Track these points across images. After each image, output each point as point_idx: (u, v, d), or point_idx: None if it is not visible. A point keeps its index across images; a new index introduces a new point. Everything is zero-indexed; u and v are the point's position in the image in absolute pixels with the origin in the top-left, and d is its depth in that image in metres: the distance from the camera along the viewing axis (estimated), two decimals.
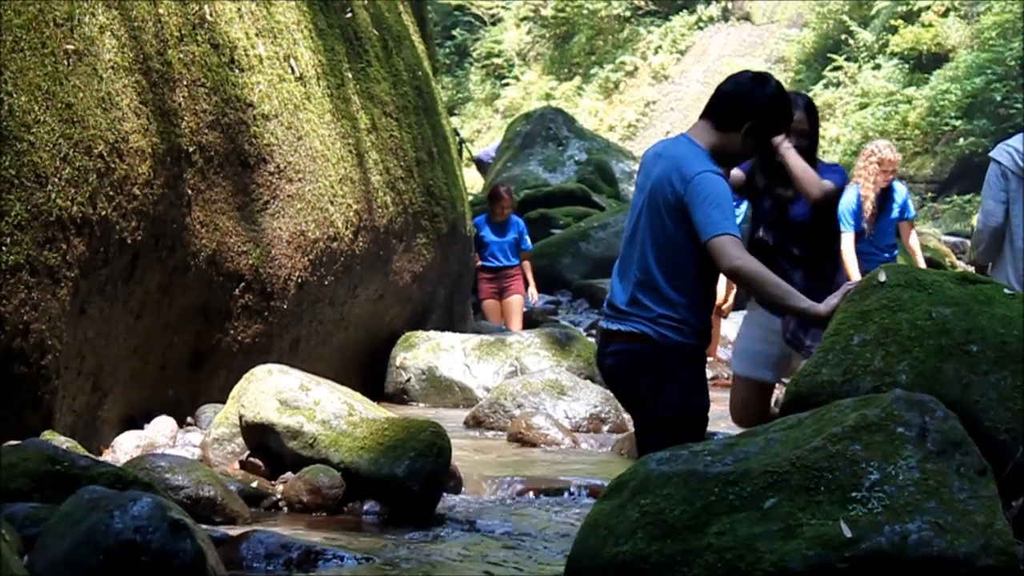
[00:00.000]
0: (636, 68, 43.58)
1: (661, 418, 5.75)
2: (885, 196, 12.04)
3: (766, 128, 5.84)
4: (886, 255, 11.95)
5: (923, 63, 34.44)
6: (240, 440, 8.01)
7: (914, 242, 12.56)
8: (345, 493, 7.53)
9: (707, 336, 5.81)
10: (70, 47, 7.35)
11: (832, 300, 5.50)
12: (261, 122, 9.42)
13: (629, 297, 5.76)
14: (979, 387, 4.90)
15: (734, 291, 14.23)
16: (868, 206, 11.86)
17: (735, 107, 5.78)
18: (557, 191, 24.84)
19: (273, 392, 7.84)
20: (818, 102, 35.47)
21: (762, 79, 5.90)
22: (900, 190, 12.28)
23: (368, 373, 11.64)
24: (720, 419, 10.67)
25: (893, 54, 35.34)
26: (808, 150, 7.32)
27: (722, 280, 13.85)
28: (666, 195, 5.68)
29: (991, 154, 8.60)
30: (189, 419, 8.94)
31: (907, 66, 34.84)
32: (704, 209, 5.58)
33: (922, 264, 12.24)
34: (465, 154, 31.94)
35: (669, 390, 5.72)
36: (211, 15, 9.04)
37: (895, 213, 12.19)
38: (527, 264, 16.11)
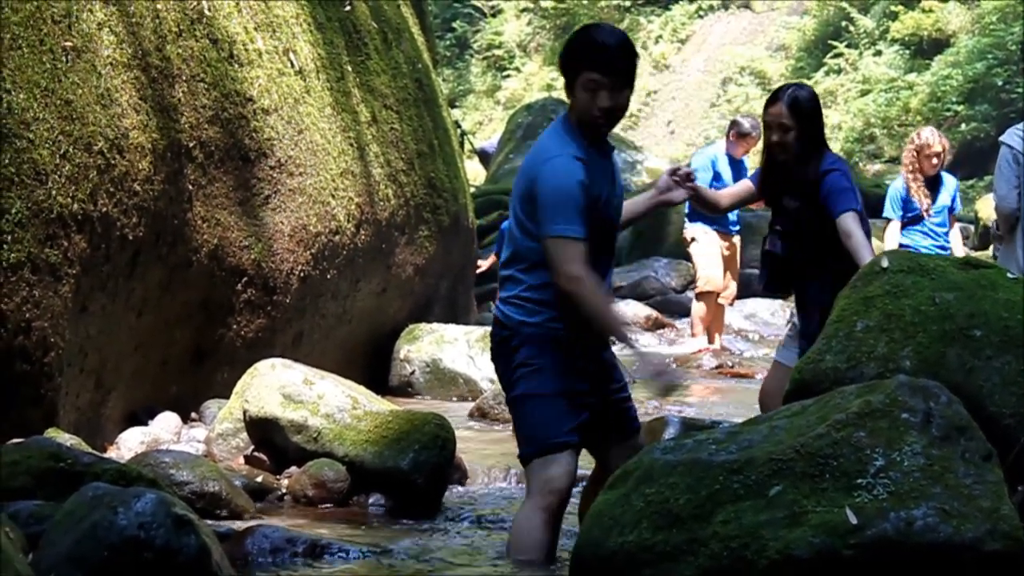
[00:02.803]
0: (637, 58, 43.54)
1: (513, 399, 5.66)
2: (935, 185, 11.73)
3: (591, 71, 5.52)
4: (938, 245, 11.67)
5: (924, 49, 34.40)
6: (244, 435, 8.01)
7: (954, 237, 12.05)
8: (350, 486, 7.53)
9: (579, 322, 5.50)
10: (68, 44, 7.34)
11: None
12: (261, 116, 9.41)
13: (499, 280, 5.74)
14: (983, 372, 4.89)
15: (733, 281, 14.22)
16: (915, 194, 11.59)
17: (570, 59, 5.60)
18: None
19: (277, 386, 7.84)
20: (819, 89, 35.42)
21: (592, 25, 5.79)
22: (949, 182, 11.97)
23: (372, 366, 11.63)
24: (720, 407, 10.68)
25: (894, 40, 35.30)
26: (795, 146, 7.13)
27: (719, 268, 13.88)
28: (520, 178, 5.62)
29: (1002, 138, 8.50)
30: (193, 415, 8.93)
31: (908, 52, 34.80)
32: (544, 204, 5.45)
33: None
34: (467, 146, 31.96)
35: (511, 371, 5.61)
36: (209, 10, 9.02)
37: (946, 202, 11.82)
38: None
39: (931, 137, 11.59)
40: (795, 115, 7.06)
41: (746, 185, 7.58)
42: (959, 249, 12.02)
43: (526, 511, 5.60)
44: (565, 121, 5.63)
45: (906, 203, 11.61)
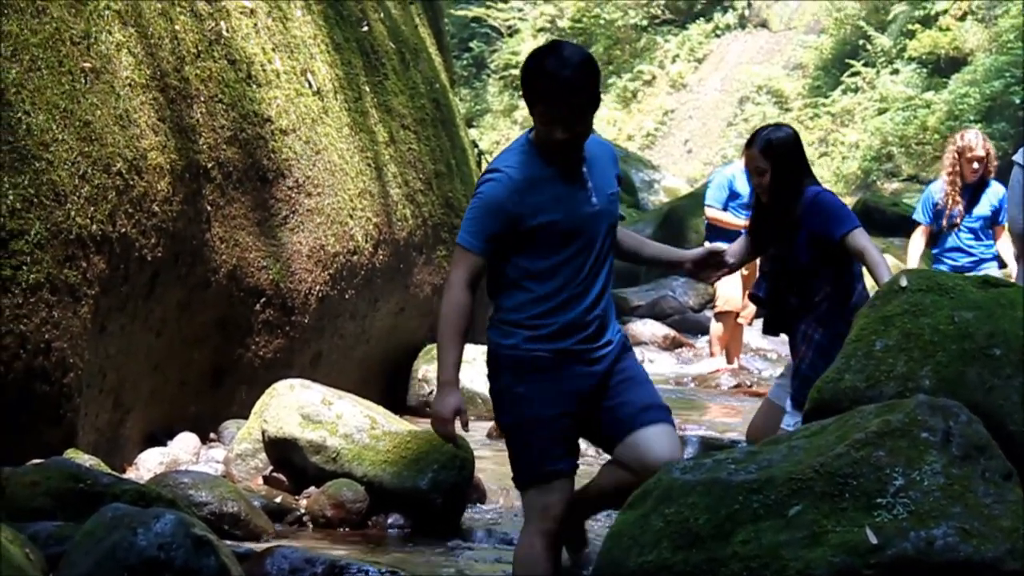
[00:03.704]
0: (654, 77, 43.58)
1: (501, 425, 5.51)
2: (977, 192, 10.92)
3: (555, 109, 5.11)
4: (962, 260, 10.91)
5: (941, 67, 34.37)
6: (263, 455, 8.02)
7: (1004, 248, 11.05)
8: (369, 507, 7.53)
9: (558, 337, 5.25)
10: (87, 65, 7.37)
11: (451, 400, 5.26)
12: (279, 137, 9.42)
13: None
14: (1003, 391, 4.88)
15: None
16: (949, 199, 10.87)
17: (524, 87, 5.19)
18: None
19: (295, 407, 7.85)
20: (837, 108, 35.46)
21: (547, 50, 5.19)
22: (995, 189, 10.94)
23: (390, 386, 11.62)
24: (739, 427, 10.64)
25: (911, 58, 35.26)
26: (771, 189, 7.12)
27: (738, 287, 13.85)
28: None
29: (1015, 158, 8.44)
30: (212, 435, 8.94)
31: (925, 70, 34.77)
32: (465, 214, 5.36)
33: (1011, 267, 11.06)
34: (484, 166, 32.02)
35: (496, 397, 5.42)
36: (227, 31, 9.05)
37: (984, 212, 10.96)
38: None
39: (974, 140, 10.89)
40: (768, 157, 7.08)
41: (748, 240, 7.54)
42: (1008, 257, 10.96)
43: (526, 538, 5.43)
44: (527, 138, 5.31)
45: (939, 210, 10.94)
